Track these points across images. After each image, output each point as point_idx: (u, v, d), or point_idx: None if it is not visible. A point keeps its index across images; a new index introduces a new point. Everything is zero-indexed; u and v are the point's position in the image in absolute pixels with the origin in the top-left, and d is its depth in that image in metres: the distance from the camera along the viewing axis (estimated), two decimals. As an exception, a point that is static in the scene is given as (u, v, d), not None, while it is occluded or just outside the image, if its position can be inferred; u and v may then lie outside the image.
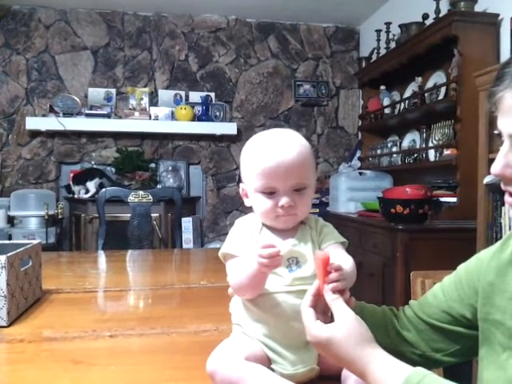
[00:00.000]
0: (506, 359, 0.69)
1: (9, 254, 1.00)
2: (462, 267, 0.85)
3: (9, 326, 1.00)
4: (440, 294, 0.85)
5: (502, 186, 0.68)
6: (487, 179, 1.94)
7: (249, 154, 0.76)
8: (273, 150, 0.73)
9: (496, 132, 0.69)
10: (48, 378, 0.77)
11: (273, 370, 0.70)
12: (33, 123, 3.77)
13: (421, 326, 0.84)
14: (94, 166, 3.89)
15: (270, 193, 0.73)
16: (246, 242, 0.74)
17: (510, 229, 1.88)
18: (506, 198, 0.68)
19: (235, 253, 0.73)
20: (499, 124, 0.67)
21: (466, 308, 0.80)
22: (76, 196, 3.71)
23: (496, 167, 0.67)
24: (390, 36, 3.43)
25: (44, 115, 3.84)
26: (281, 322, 0.71)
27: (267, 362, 0.70)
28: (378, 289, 2.56)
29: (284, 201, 0.72)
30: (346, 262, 0.72)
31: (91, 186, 3.65)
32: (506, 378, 0.68)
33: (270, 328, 0.71)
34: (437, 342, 0.83)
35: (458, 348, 0.83)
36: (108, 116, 3.88)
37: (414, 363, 0.85)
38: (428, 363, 0.86)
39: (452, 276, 0.86)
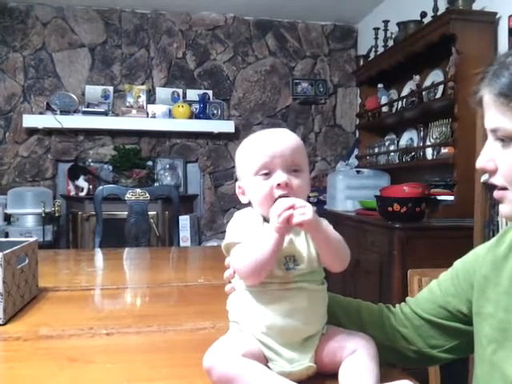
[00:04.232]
0: (492, 353, 0.70)
1: (5, 252, 1.00)
2: (458, 262, 0.86)
3: (5, 323, 0.99)
4: (436, 289, 0.85)
5: (489, 181, 0.71)
6: (484, 177, 1.94)
7: (245, 146, 0.79)
8: (269, 137, 0.76)
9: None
10: (44, 375, 0.76)
11: (270, 368, 0.70)
12: (30, 121, 3.76)
13: (417, 322, 0.85)
14: (80, 164, 3.88)
15: (266, 174, 0.74)
16: (250, 231, 0.73)
17: (506, 226, 1.88)
18: (495, 192, 0.71)
19: (241, 240, 0.72)
20: (484, 121, 0.70)
21: (462, 303, 0.81)
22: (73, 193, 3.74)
23: (480, 161, 0.70)
24: (388, 34, 3.43)
25: (41, 113, 3.83)
26: (278, 318, 0.71)
27: (264, 361, 0.70)
28: (375, 287, 2.56)
29: (280, 179, 0.72)
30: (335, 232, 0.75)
31: (82, 183, 3.68)
32: (496, 375, 0.69)
33: (268, 325, 0.71)
34: (433, 338, 0.83)
35: (454, 344, 0.83)
36: (105, 114, 3.87)
37: (410, 360, 0.86)
38: (424, 360, 0.87)
39: (448, 271, 0.87)
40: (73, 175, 3.77)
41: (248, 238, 0.72)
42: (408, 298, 0.91)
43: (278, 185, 0.72)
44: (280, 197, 0.72)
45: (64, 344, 0.90)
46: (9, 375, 0.79)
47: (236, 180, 0.82)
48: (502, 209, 0.70)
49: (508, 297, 0.70)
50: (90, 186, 3.75)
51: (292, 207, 0.67)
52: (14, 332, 0.95)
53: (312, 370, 0.72)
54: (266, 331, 0.71)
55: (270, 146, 0.74)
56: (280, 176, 0.72)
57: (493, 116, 0.67)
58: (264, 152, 0.74)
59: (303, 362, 0.71)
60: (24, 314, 1.07)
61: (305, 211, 0.67)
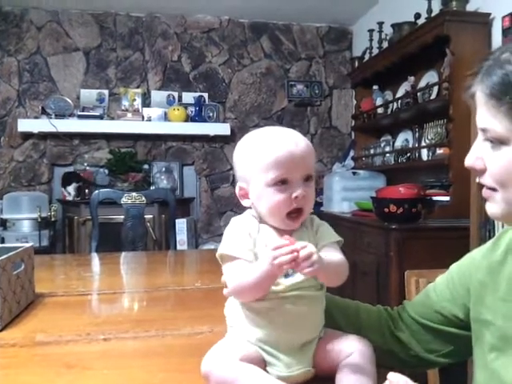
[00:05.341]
0: (493, 360, 0.69)
1: (0, 258, 0.99)
2: (454, 266, 0.85)
3: (1, 330, 0.99)
4: (432, 293, 0.85)
5: (477, 180, 0.70)
6: (480, 178, 1.95)
7: (255, 147, 0.74)
8: (283, 141, 0.72)
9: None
10: (41, 382, 0.76)
11: (268, 372, 0.69)
12: (25, 125, 3.75)
13: (414, 327, 0.84)
14: (72, 170, 3.87)
15: (282, 184, 0.71)
16: (244, 243, 0.72)
17: (502, 227, 1.89)
18: (483, 190, 0.70)
19: (234, 254, 0.71)
20: (476, 117, 0.69)
21: (458, 308, 0.80)
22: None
23: (468, 159, 0.70)
24: (383, 36, 3.44)
25: (36, 117, 3.82)
26: (275, 326, 0.70)
27: (262, 364, 0.70)
28: (372, 288, 2.56)
29: (298, 192, 0.71)
30: (334, 257, 0.72)
31: (71, 189, 3.68)
32: (495, 381, 0.68)
33: (265, 332, 0.71)
34: (430, 343, 0.83)
35: (451, 349, 0.83)
36: (100, 117, 3.86)
37: (407, 363, 0.85)
38: (422, 364, 0.86)
39: (444, 275, 0.86)
40: (67, 182, 3.76)
41: (241, 252, 0.71)
42: (405, 302, 0.90)
43: (296, 197, 0.71)
44: (290, 212, 0.72)
45: (61, 350, 0.90)
46: (5, 382, 0.78)
47: (233, 181, 0.80)
48: (489, 208, 0.69)
49: (505, 304, 0.70)
50: (87, 191, 3.74)
51: (295, 259, 0.63)
52: (10, 338, 0.95)
53: (310, 373, 0.72)
54: (263, 337, 0.71)
55: (289, 154, 0.71)
56: (298, 190, 0.71)
57: (483, 116, 0.66)
58: (282, 163, 0.71)
59: (301, 367, 0.71)
60: (20, 320, 1.07)
61: (313, 261, 0.64)
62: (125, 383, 0.75)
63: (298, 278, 0.71)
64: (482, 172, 0.68)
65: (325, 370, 0.72)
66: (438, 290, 0.84)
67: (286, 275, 0.71)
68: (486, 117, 0.66)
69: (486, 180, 0.68)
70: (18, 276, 1.10)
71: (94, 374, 0.79)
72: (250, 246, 0.72)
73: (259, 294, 0.70)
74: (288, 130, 0.76)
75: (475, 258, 0.80)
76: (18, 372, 0.80)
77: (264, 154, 0.72)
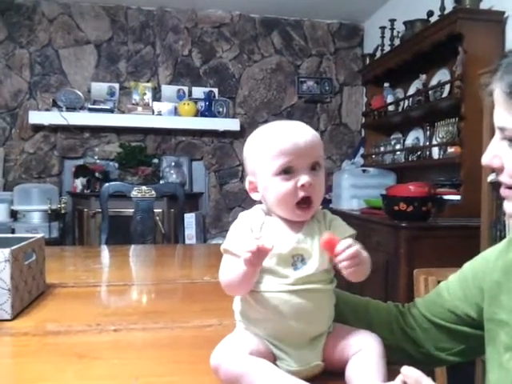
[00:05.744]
0: (508, 360, 0.69)
1: (13, 248, 1.00)
2: (467, 266, 0.84)
3: (13, 319, 1.00)
4: (445, 292, 0.84)
5: (490, 178, 0.70)
6: (491, 177, 1.93)
7: (261, 139, 0.75)
8: (288, 131, 0.74)
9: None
10: (52, 371, 0.77)
11: (278, 366, 0.69)
12: (36, 117, 3.77)
13: (425, 325, 0.84)
14: (82, 163, 3.91)
15: (288, 173, 0.72)
16: (241, 239, 0.72)
17: (513, 227, 1.87)
18: (501, 190, 0.69)
19: (233, 250, 0.72)
20: (494, 116, 0.68)
21: (471, 307, 0.79)
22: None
23: (485, 157, 0.69)
24: (395, 33, 3.42)
25: (47, 109, 3.84)
26: (283, 321, 0.70)
27: (272, 359, 0.70)
28: (381, 286, 2.55)
29: (304, 179, 0.71)
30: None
31: (79, 182, 3.72)
32: (509, 381, 0.68)
33: (273, 327, 0.71)
34: (441, 342, 0.83)
35: (462, 348, 0.82)
36: (111, 111, 3.87)
37: (417, 361, 0.85)
38: (432, 362, 0.86)
39: (457, 275, 0.85)
40: (78, 174, 3.80)
41: (234, 247, 0.72)
42: (417, 299, 0.90)
43: (302, 186, 0.71)
44: (299, 202, 0.72)
45: (71, 340, 0.91)
46: (16, 370, 0.80)
47: (242, 177, 0.81)
48: (507, 207, 0.68)
49: None
50: (97, 183, 3.77)
51: (264, 250, 0.65)
52: (21, 327, 0.96)
53: (319, 368, 0.72)
54: (272, 332, 0.71)
55: (292, 144, 0.71)
56: (304, 177, 0.71)
57: (501, 114, 0.65)
58: (286, 151, 0.71)
59: (310, 361, 0.71)
60: (31, 310, 1.08)
61: (361, 259, 0.67)
62: (135, 373, 0.76)
63: (307, 271, 0.71)
64: (500, 170, 0.67)
65: (334, 365, 0.72)
66: (450, 290, 0.84)
67: (295, 268, 0.71)
68: (505, 115, 0.65)
69: (505, 178, 0.67)
70: (30, 266, 1.11)
71: (104, 363, 0.79)
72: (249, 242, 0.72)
73: (241, 290, 0.72)
74: (295, 122, 0.77)
75: (489, 258, 0.79)
76: (30, 360, 0.81)
77: (269, 144, 0.73)
